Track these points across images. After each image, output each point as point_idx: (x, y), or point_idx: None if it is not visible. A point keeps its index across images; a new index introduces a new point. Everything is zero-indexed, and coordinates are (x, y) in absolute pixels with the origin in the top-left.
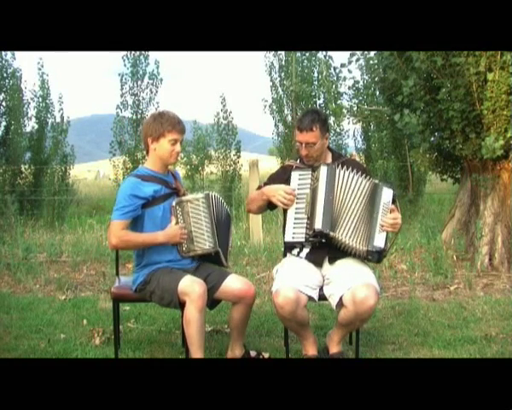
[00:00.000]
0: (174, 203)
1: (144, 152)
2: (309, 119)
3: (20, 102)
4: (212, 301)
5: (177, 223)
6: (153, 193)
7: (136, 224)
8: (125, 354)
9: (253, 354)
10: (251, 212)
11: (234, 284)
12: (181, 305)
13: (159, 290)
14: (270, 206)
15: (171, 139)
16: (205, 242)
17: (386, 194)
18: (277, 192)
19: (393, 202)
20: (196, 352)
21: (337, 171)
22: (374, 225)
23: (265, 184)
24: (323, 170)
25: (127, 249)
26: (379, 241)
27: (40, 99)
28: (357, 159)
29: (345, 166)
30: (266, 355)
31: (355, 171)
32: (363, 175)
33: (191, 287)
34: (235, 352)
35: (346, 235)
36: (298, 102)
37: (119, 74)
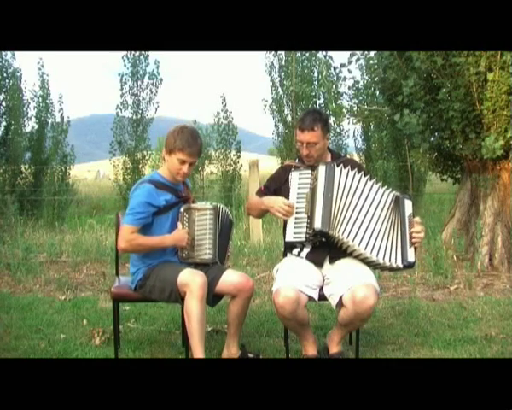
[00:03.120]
0: (182, 209)
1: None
2: (311, 118)
3: (20, 102)
4: (213, 299)
5: (183, 228)
6: (164, 202)
7: (144, 229)
8: (125, 354)
9: (251, 356)
10: (252, 217)
11: (232, 276)
12: (182, 299)
13: (159, 283)
14: None
15: (179, 158)
16: (205, 252)
17: (408, 206)
18: (276, 204)
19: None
20: (196, 346)
21: (336, 169)
22: (404, 240)
23: (265, 186)
24: (322, 169)
25: (135, 252)
26: (411, 255)
27: (40, 99)
28: (357, 159)
29: (348, 166)
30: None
31: (350, 167)
32: (362, 173)
33: (191, 278)
34: (231, 350)
35: (347, 235)
36: (298, 102)
37: (119, 74)
